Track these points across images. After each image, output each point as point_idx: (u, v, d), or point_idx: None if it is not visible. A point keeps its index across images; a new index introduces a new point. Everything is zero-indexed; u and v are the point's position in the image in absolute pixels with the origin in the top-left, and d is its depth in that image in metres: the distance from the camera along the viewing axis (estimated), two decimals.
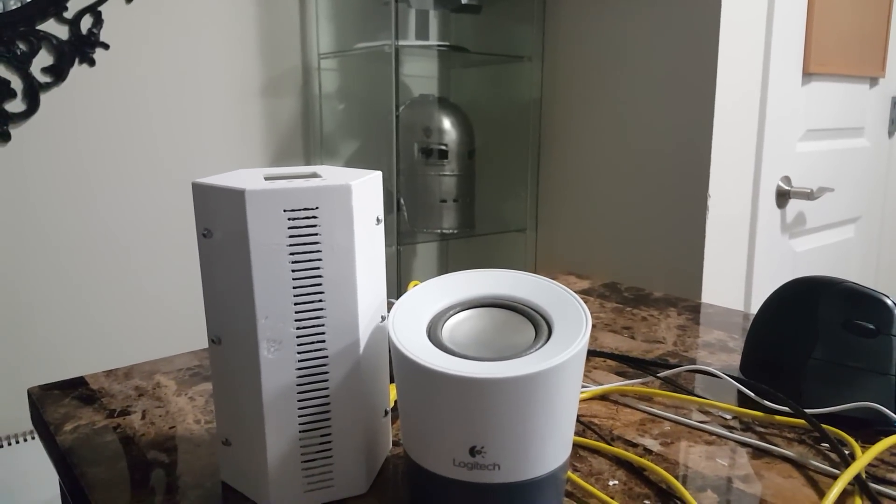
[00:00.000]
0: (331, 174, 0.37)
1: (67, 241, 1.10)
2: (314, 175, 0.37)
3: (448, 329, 0.37)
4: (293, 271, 0.34)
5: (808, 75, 1.25)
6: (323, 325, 0.35)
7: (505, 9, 1.39)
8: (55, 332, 1.10)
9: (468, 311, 0.38)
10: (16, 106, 1.03)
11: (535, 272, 0.38)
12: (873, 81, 1.45)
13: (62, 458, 0.42)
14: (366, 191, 0.36)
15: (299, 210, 0.33)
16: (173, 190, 1.19)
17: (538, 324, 0.36)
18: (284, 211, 0.33)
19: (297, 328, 0.34)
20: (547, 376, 0.31)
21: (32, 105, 1.05)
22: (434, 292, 0.39)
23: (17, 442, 1.03)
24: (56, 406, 0.49)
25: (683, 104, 1.12)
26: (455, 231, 1.31)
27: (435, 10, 1.26)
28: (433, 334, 0.35)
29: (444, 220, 1.30)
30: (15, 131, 1.04)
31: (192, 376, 0.54)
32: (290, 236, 0.33)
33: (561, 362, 0.32)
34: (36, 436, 1.05)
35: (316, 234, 0.34)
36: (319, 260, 0.34)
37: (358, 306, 0.35)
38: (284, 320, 0.34)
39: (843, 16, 1.29)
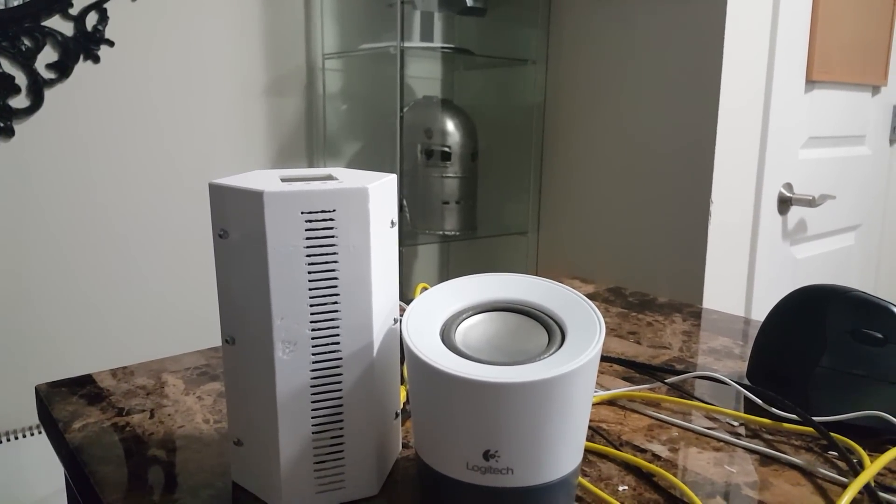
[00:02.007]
0: (347, 177, 0.37)
1: (71, 238, 1.10)
2: (329, 177, 0.37)
3: (461, 332, 0.37)
4: (309, 273, 0.34)
5: (811, 83, 1.26)
6: (338, 327, 0.35)
7: (510, 12, 1.39)
8: (59, 329, 1.10)
9: (481, 315, 0.38)
10: (20, 102, 1.03)
11: (536, 275, 0.38)
12: (875, 90, 1.46)
13: (72, 457, 0.42)
14: (381, 194, 0.36)
15: (317, 212, 0.33)
16: (177, 188, 1.19)
17: (551, 329, 0.36)
18: (302, 213, 0.33)
19: (312, 329, 0.34)
20: (563, 381, 0.31)
21: (36, 101, 1.04)
22: (447, 296, 0.39)
23: (18, 438, 1.03)
24: (64, 404, 0.49)
25: (687, 109, 1.12)
26: (457, 233, 1.31)
27: (440, 13, 1.27)
28: (447, 338, 0.36)
29: (447, 221, 1.30)
30: (19, 127, 1.04)
31: (199, 375, 0.54)
32: (307, 238, 0.34)
33: (575, 368, 0.32)
34: (38, 431, 1.05)
35: (332, 237, 0.34)
36: (335, 262, 0.34)
37: (372, 308, 0.36)
38: (300, 322, 0.34)
39: (846, 24, 1.29)
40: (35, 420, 1.08)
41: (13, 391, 1.07)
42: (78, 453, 0.42)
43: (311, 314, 0.34)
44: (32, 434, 1.05)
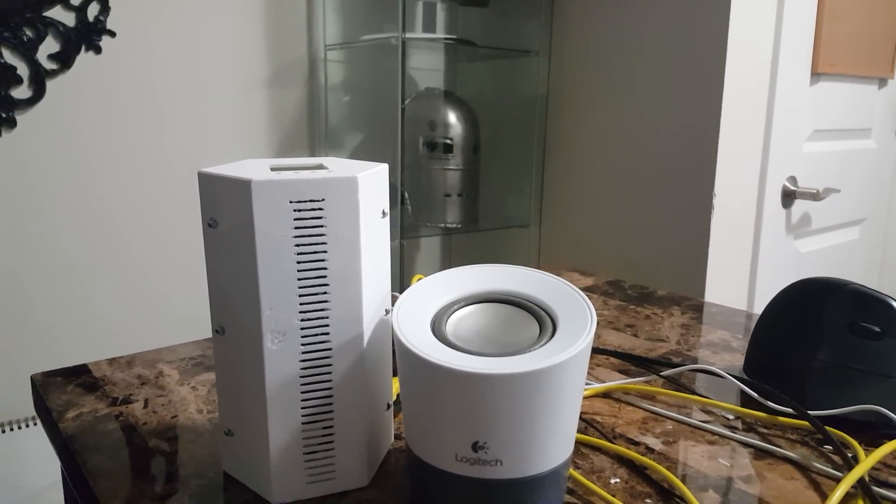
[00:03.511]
0: (337, 166, 0.37)
1: (70, 228, 1.10)
2: (320, 167, 0.37)
3: (452, 324, 0.36)
4: (298, 263, 0.34)
5: (816, 75, 1.25)
6: (327, 318, 0.35)
7: (512, 3, 1.39)
8: (57, 319, 1.10)
9: (472, 307, 0.38)
10: (22, 92, 1.03)
11: (538, 268, 0.38)
12: (882, 82, 1.44)
13: (65, 446, 0.42)
14: (372, 183, 0.36)
15: (305, 202, 0.33)
16: (177, 179, 1.19)
17: (542, 320, 0.36)
18: (291, 202, 0.33)
19: (302, 320, 0.34)
20: (551, 373, 0.31)
21: (38, 92, 1.04)
22: (438, 287, 0.39)
23: (19, 427, 1.03)
24: (59, 393, 0.49)
25: (690, 102, 1.12)
26: (459, 225, 1.30)
27: (442, 3, 1.26)
28: (437, 329, 0.35)
29: (448, 214, 1.30)
30: (21, 117, 1.04)
31: (194, 366, 0.54)
32: (296, 227, 0.33)
33: (565, 359, 0.32)
34: (37, 422, 1.06)
35: (322, 226, 0.34)
36: (325, 252, 0.34)
37: (362, 299, 0.35)
38: (289, 312, 0.34)
39: (852, 16, 1.28)
40: (33, 410, 1.08)
41: (10, 382, 1.07)
42: (71, 442, 0.42)
43: (301, 304, 0.34)
44: (36, 424, 1.05)
